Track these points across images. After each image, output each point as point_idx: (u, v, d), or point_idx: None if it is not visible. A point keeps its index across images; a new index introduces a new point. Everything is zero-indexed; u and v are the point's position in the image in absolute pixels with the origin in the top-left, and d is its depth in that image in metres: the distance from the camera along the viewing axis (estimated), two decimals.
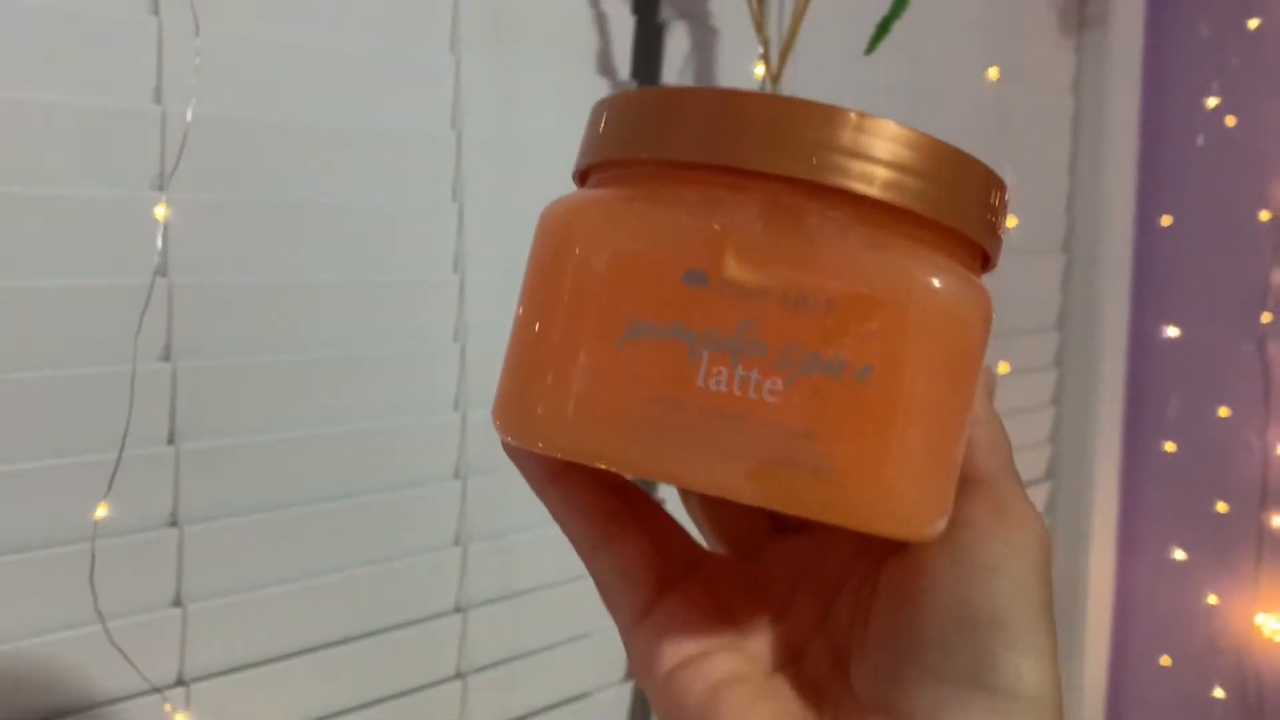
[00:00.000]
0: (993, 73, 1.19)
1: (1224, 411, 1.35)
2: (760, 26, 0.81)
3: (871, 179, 0.25)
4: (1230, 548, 1.35)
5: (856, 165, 0.25)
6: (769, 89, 0.94)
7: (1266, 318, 1.31)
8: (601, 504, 0.31)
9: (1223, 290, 1.35)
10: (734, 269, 0.24)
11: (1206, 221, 1.36)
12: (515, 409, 0.27)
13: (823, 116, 0.25)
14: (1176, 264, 1.39)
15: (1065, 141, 1.37)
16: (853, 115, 0.26)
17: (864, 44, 0.88)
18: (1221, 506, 1.36)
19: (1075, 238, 1.38)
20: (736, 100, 0.26)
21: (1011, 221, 1.24)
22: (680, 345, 0.24)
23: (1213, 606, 1.37)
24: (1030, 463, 1.38)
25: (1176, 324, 1.39)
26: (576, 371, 0.25)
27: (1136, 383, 1.42)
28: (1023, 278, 1.30)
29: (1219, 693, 1.37)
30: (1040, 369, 1.37)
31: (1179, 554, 1.40)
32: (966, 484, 0.28)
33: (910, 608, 0.27)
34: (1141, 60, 1.38)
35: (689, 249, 0.25)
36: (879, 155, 0.25)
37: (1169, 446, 1.40)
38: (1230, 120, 1.32)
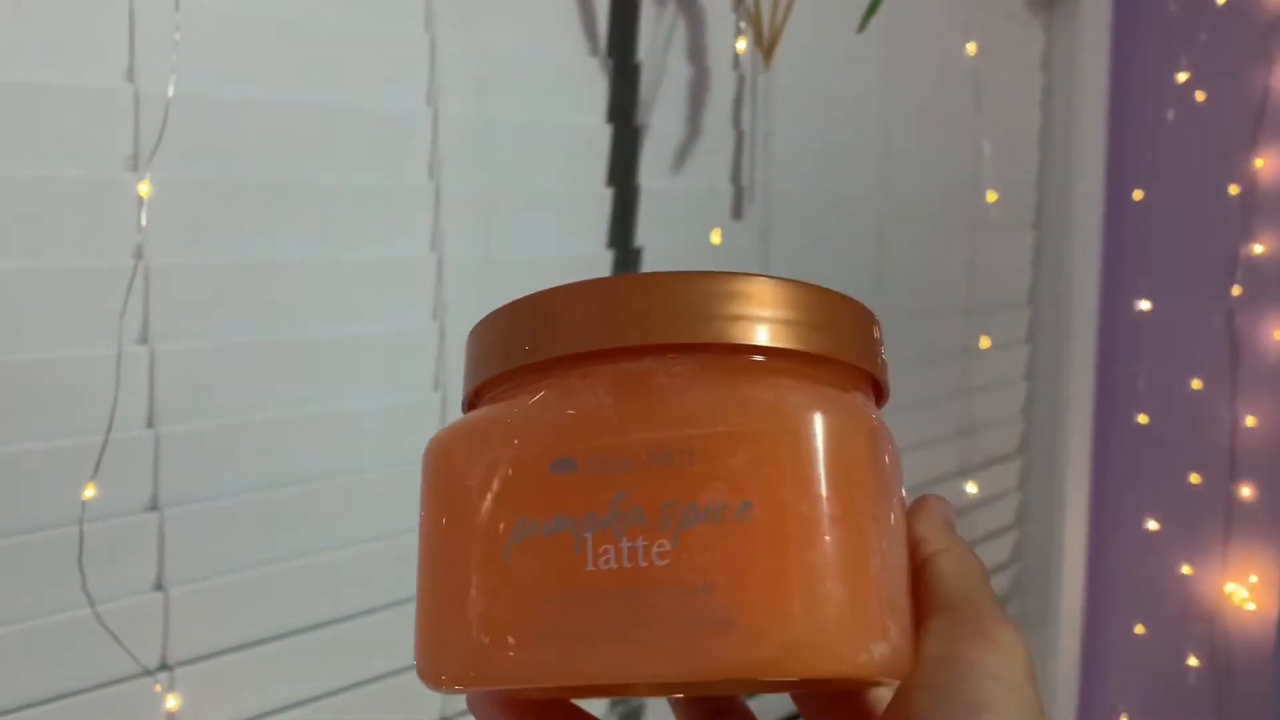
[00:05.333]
0: (971, 48, 1.20)
1: (1195, 384, 1.37)
2: (751, 5, 0.81)
3: (709, 327, 0.25)
4: (1202, 518, 1.37)
5: (692, 319, 0.26)
6: (756, 63, 0.94)
7: (1236, 291, 1.32)
8: None
9: (1193, 264, 1.36)
10: (595, 447, 0.25)
11: (1177, 196, 1.37)
12: (429, 652, 0.27)
13: (649, 284, 0.26)
14: (1147, 238, 1.40)
15: (1035, 117, 1.38)
16: (671, 277, 0.26)
17: (840, 21, 0.88)
18: (1193, 478, 1.38)
19: (1046, 213, 1.40)
20: (566, 294, 0.27)
21: (992, 197, 1.25)
22: (564, 536, 0.24)
23: (1185, 576, 1.39)
24: (1004, 437, 1.39)
25: (1147, 298, 1.41)
26: (473, 594, 0.25)
27: (1108, 356, 1.44)
28: (994, 253, 1.31)
29: (1192, 660, 1.39)
30: (1013, 344, 1.39)
31: (1151, 525, 1.42)
32: (940, 613, 0.26)
33: None
34: (1111, 36, 1.38)
35: (551, 441, 0.25)
36: (715, 304, 0.26)
37: (1141, 419, 1.42)
38: (1200, 95, 1.34)
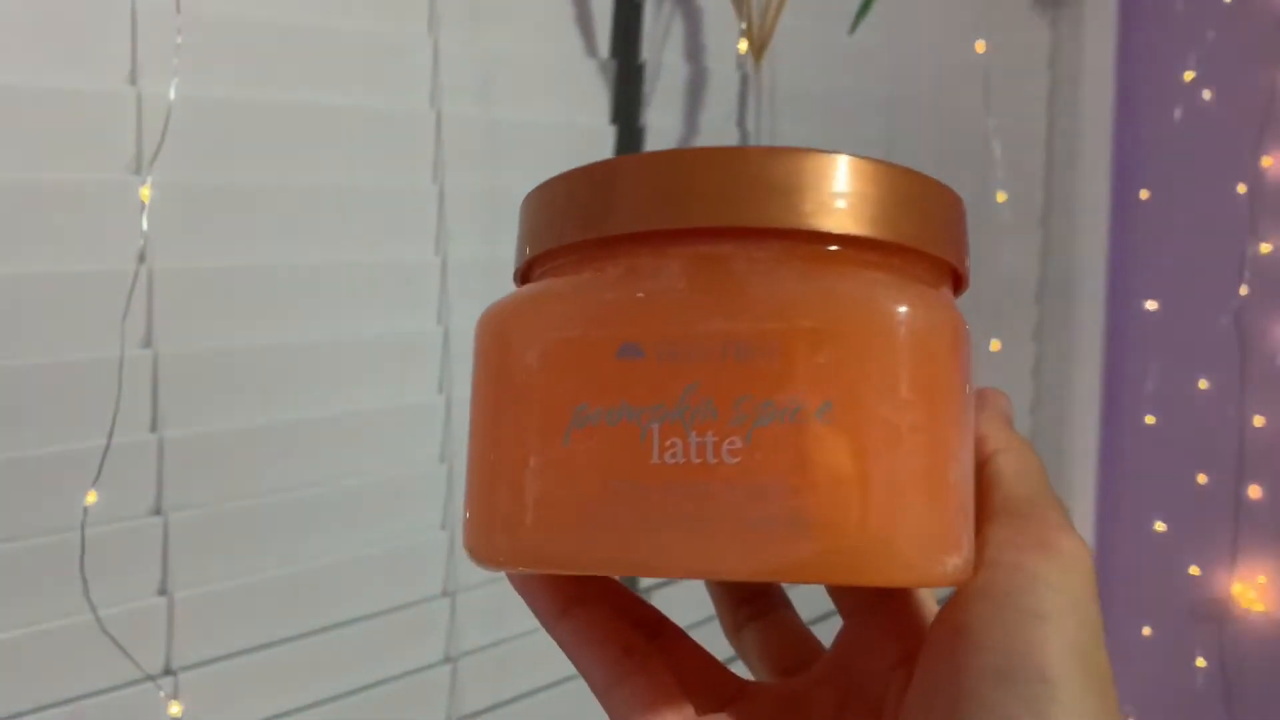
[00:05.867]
0: (980, 46, 1.19)
1: (1203, 383, 1.36)
2: (741, 3, 0.81)
3: (793, 211, 0.24)
4: (1210, 519, 1.36)
5: (773, 201, 0.24)
6: (747, 67, 0.94)
7: (1244, 290, 1.31)
8: (617, 639, 0.29)
9: (1200, 263, 1.36)
10: (665, 334, 0.23)
11: (1184, 195, 1.37)
12: (480, 531, 0.26)
13: (727, 160, 0.24)
14: (1154, 237, 1.39)
15: (1042, 116, 1.37)
16: (755, 152, 0.24)
17: (845, 21, 0.88)
18: (1201, 478, 1.37)
19: (1053, 212, 1.39)
20: (635, 165, 0.25)
21: (1001, 197, 1.24)
22: (628, 425, 0.23)
23: (1193, 577, 1.38)
24: None
25: (1155, 297, 1.40)
26: (529, 477, 0.24)
27: (1115, 356, 1.43)
28: (1002, 252, 1.31)
29: (1200, 662, 1.38)
30: (1020, 342, 1.38)
31: (1159, 525, 1.41)
32: (1001, 516, 0.25)
33: (949, 662, 0.24)
34: (1118, 34, 1.38)
35: (618, 325, 0.24)
36: (796, 185, 0.24)
37: (1148, 419, 1.41)
38: (1207, 94, 1.33)
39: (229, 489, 0.66)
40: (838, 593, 0.33)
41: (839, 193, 0.24)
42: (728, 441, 0.23)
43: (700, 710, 0.29)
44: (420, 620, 0.75)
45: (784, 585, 0.34)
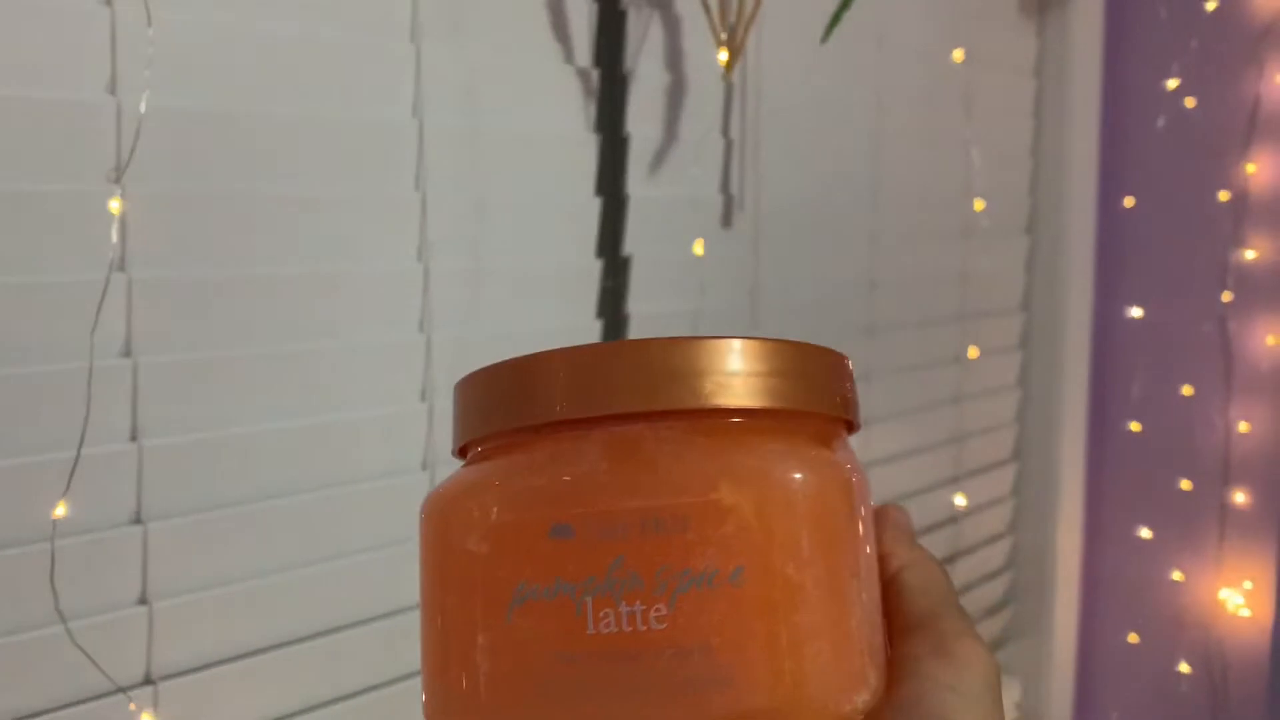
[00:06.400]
0: (958, 55, 1.20)
1: (1187, 390, 1.37)
2: (718, 14, 0.81)
3: (695, 392, 0.26)
4: (1194, 525, 1.37)
5: (679, 384, 0.27)
6: (743, 72, 0.94)
7: (1227, 297, 1.32)
8: None
9: (1184, 270, 1.36)
10: (591, 514, 0.26)
11: (1168, 202, 1.37)
12: (436, 701, 0.28)
13: (634, 351, 0.27)
14: (1138, 245, 1.40)
15: (1028, 124, 1.38)
16: (659, 342, 0.27)
17: (823, 31, 0.88)
18: (1185, 484, 1.37)
19: (1039, 220, 1.39)
20: (559, 359, 0.28)
21: (979, 205, 1.25)
22: (564, 600, 0.25)
23: (1178, 583, 1.39)
24: (997, 444, 1.39)
25: (1139, 304, 1.41)
26: (479, 654, 0.26)
27: (1101, 363, 1.44)
28: (987, 260, 1.31)
29: (1184, 667, 1.39)
30: (1006, 350, 1.38)
31: (1144, 532, 1.42)
32: (906, 629, 0.27)
33: None
34: (1102, 42, 1.39)
35: (548, 507, 0.26)
36: (700, 369, 0.27)
37: (1133, 426, 1.42)
38: (1190, 101, 1.34)
39: (210, 497, 0.66)
40: None
41: (733, 372, 0.27)
42: (654, 609, 0.25)
43: None
44: (402, 629, 0.75)
45: None
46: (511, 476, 0.28)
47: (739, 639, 0.25)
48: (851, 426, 0.31)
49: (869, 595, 0.27)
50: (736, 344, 0.27)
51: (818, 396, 0.29)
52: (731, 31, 0.86)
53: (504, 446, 0.29)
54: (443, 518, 0.29)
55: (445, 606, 0.28)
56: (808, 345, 0.29)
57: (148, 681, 0.64)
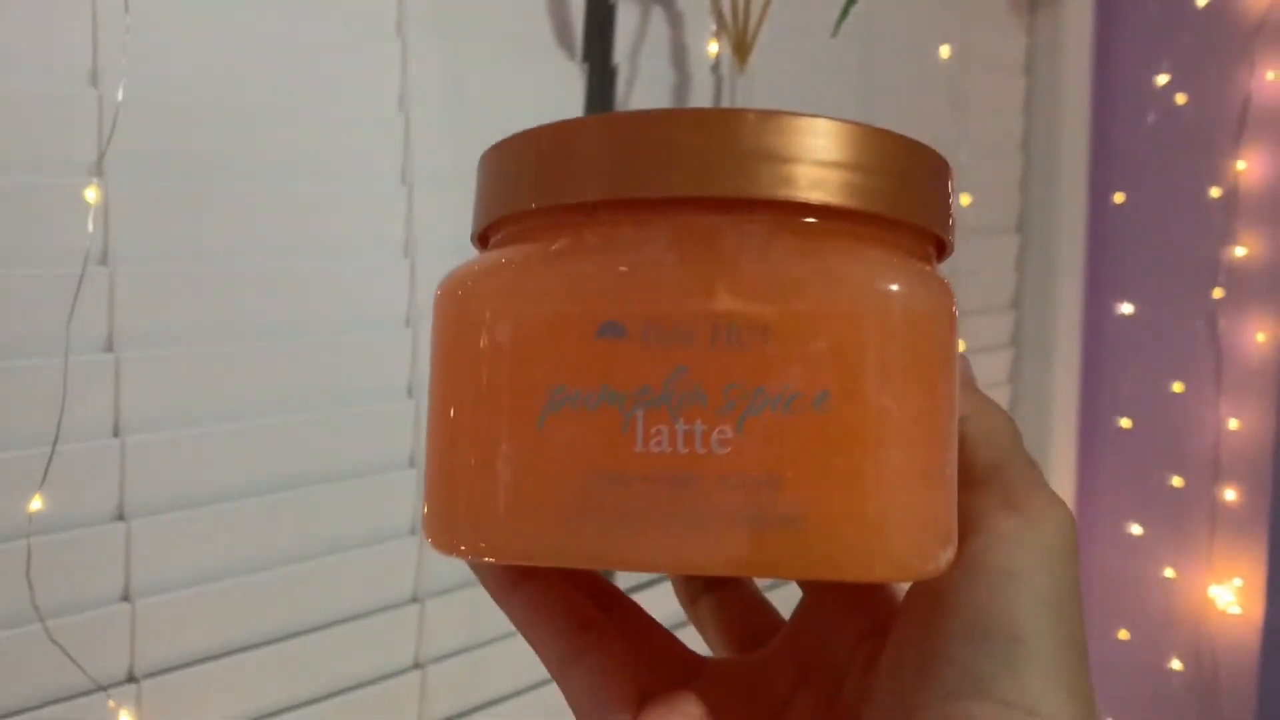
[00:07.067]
0: (945, 52, 1.19)
1: (1178, 387, 1.36)
2: (728, 11, 0.81)
3: (789, 180, 0.22)
4: (1185, 522, 1.37)
5: (768, 169, 0.22)
6: (721, 71, 0.94)
7: (1218, 293, 1.32)
8: (573, 613, 0.28)
9: (1175, 267, 1.36)
10: (650, 313, 0.22)
11: (1158, 199, 1.37)
12: (442, 516, 0.24)
13: (719, 122, 0.23)
14: (1129, 241, 1.40)
15: (1019, 121, 1.38)
16: (751, 115, 0.22)
17: (818, 25, 0.88)
18: (1176, 481, 1.37)
19: (1030, 217, 1.39)
20: (622, 124, 0.23)
21: (965, 200, 1.25)
22: (609, 410, 0.22)
23: (1169, 580, 1.39)
24: None
25: (1130, 301, 1.40)
26: (500, 462, 0.23)
27: (1091, 360, 1.44)
28: (978, 257, 1.31)
29: (1176, 664, 1.39)
30: (997, 348, 1.38)
31: (1135, 528, 1.42)
32: (973, 483, 0.25)
33: (921, 628, 0.24)
34: (1093, 39, 1.38)
35: (598, 300, 0.22)
36: (793, 153, 0.22)
37: (1124, 422, 1.42)
38: (1180, 98, 1.34)
39: (193, 493, 0.65)
40: None
41: (832, 162, 0.23)
42: (718, 430, 0.21)
43: (659, 687, 0.28)
44: (389, 625, 0.75)
45: None
46: (553, 261, 0.23)
47: (816, 474, 0.21)
48: (944, 250, 0.27)
49: (957, 439, 0.24)
50: (841, 129, 0.23)
51: (925, 206, 0.24)
52: (742, 27, 0.86)
53: (545, 227, 0.24)
54: (464, 301, 0.24)
55: (461, 408, 0.24)
56: (918, 144, 0.24)
57: (130, 679, 0.63)
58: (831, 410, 0.21)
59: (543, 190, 0.24)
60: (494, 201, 0.26)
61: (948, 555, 0.23)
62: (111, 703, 0.62)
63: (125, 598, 0.63)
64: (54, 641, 0.59)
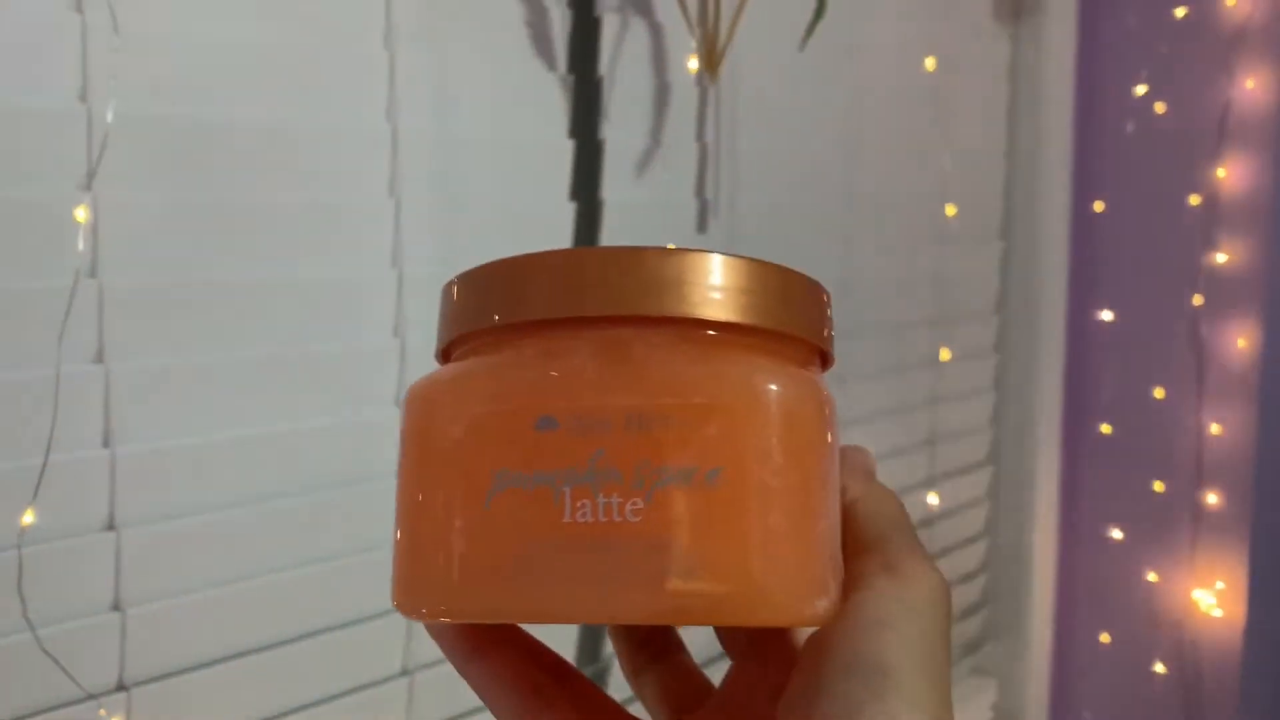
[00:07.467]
0: (930, 63, 1.21)
1: (1159, 392, 1.38)
2: (696, 21, 0.82)
3: (686, 301, 0.28)
4: (1167, 526, 1.38)
5: (671, 292, 0.28)
6: (705, 82, 0.95)
7: (1198, 300, 1.33)
8: (528, 681, 0.32)
9: (1155, 273, 1.38)
10: (576, 408, 0.26)
11: (1139, 206, 1.39)
12: (407, 583, 0.29)
13: (632, 258, 0.28)
14: (1111, 248, 1.41)
15: (1002, 130, 1.39)
16: (655, 251, 0.28)
17: (799, 37, 0.89)
18: (1158, 486, 1.39)
19: (1013, 224, 1.41)
20: (557, 259, 0.28)
21: (951, 210, 1.26)
22: (543, 489, 0.26)
23: (1151, 584, 1.40)
24: (972, 447, 1.40)
25: (1112, 308, 1.42)
26: (454, 535, 0.27)
27: (1074, 366, 1.45)
28: (962, 265, 1.32)
29: (1159, 667, 1.40)
30: (981, 354, 1.39)
31: (1118, 533, 1.43)
32: (860, 551, 0.29)
33: (810, 670, 0.28)
34: (1075, 49, 1.40)
35: (535, 400, 0.27)
36: (689, 280, 0.28)
37: (1106, 428, 1.43)
38: (1159, 107, 1.35)
39: (183, 503, 0.66)
40: (725, 635, 0.36)
41: (720, 286, 0.28)
42: (631, 502, 0.26)
43: None
44: (377, 633, 0.75)
45: (678, 631, 0.38)
46: (500, 370, 0.28)
47: (710, 535, 0.26)
48: (827, 361, 0.32)
49: (833, 510, 0.28)
50: (728, 261, 0.28)
51: (802, 322, 0.30)
52: (712, 36, 0.86)
53: (492, 344, 0.29)
54: (428, 405, 0.29)
55: (423, 490, 0.28)
56: (796, 273, 0.30)
57: (121, 688, 0.64)
58: (722, 483, 0.26)
59: (491, 313, 0.29)
60: (452, 323, 0.31)
61: (824, 604, 0.27)
62: (102, 711, 0.62)
63: (116, 607, 0.64)
64: (45, 651, 0.59)
